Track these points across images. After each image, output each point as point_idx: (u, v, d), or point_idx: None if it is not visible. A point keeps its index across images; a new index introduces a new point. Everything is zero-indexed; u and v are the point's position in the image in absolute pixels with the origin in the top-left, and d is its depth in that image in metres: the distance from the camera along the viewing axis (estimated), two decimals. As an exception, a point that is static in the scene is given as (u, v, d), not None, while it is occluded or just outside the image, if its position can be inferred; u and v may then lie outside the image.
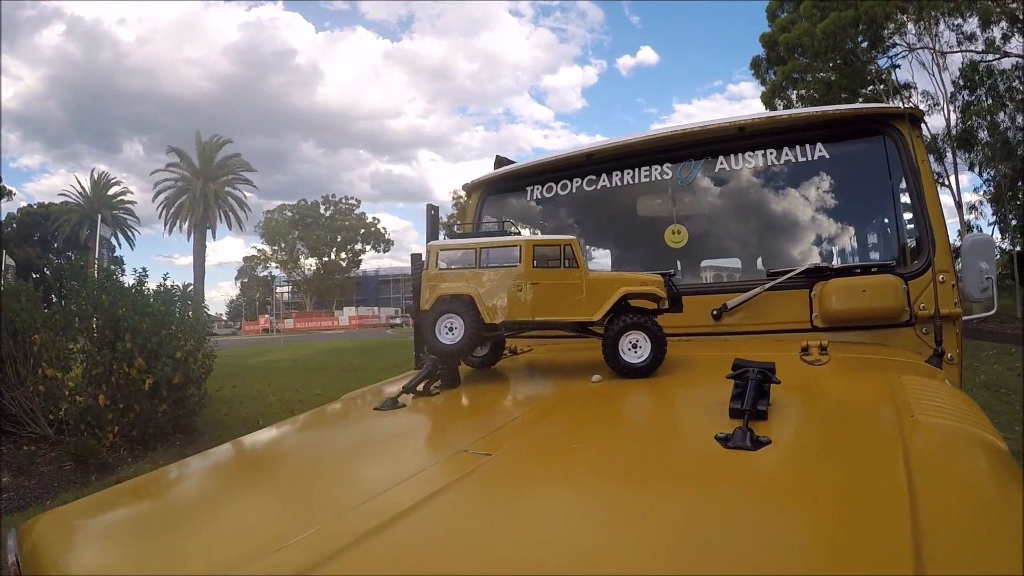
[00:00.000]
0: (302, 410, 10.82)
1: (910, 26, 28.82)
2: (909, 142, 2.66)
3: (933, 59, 29.68)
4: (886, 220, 3.09)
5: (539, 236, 2.12)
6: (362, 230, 79.86)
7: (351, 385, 12.96)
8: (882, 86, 31.43)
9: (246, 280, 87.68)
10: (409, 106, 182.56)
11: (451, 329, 2.01)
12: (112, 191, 62.83)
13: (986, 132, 28.81)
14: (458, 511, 1.12)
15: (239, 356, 22.24)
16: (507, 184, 3.43)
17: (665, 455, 1.41)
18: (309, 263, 79.55)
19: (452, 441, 1.52)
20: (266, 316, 69.08)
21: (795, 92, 32.76)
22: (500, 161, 3.58)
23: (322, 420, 2.19)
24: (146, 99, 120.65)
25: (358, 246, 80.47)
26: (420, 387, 2.00)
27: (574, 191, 3.18)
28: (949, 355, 2.46)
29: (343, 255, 79.94)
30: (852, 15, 27.68)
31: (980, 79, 29.55)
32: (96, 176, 61.38)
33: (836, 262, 2.88)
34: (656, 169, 3.00)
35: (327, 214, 78.87)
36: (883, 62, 31.51)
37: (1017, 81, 28.67)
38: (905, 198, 2.74)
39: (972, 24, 28.16)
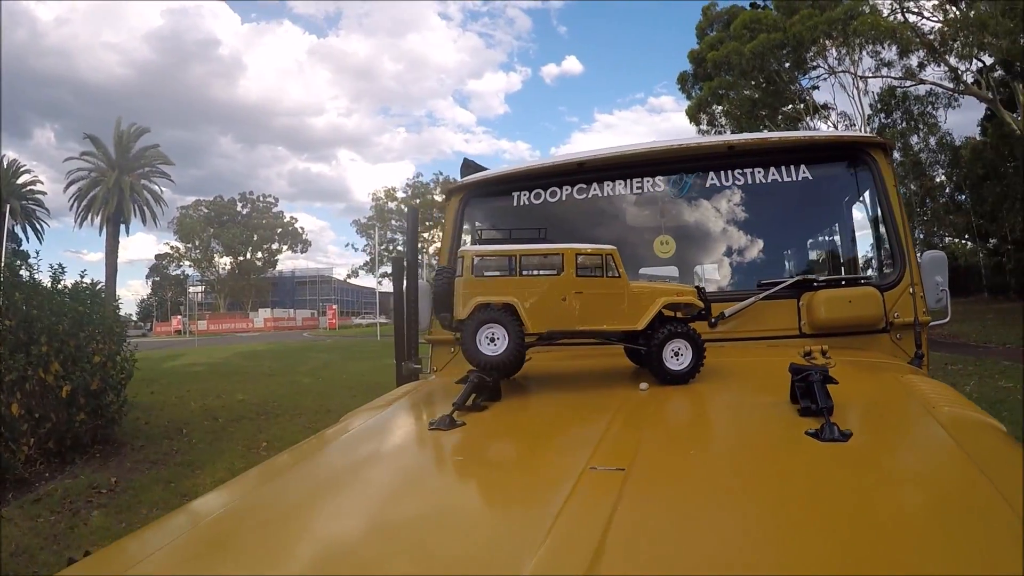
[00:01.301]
0: (227, 417, 10.44)
1: (833, 51, 30.41)
2: (882, 168, 2.89)
3: (854, 83, 31.42)
4: (860, 237, 3.30)
5: (579, 245, 2.00)
6: (279, 229, 78.07)
7: (275, 390, 12.56)
8: (802, 105, 33.00)
9: (158, 279, 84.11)
10: (331, 104, 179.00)
11: (493, 340, 1.88)
12: (21, 180, 58.69)
13: (899, 153, 30.67)
14: (658, 524, 1.10)
15: (154, 359, 21.28)
16: (492, 188, 3.28)
17: (782, 454, 1.46)
18: (224, 262, 77.12)
19: (567, 458, 1.40)
20: (179, 317, 66.53)
21: (719, 107, 34.14)
22: (468, 164, 3.42)
23: (372, 441, 1.89)
24: (60, 83, 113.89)
25: (275, 245, 78.61)
26: (469, 402, 1.84)
27: (564, 198, 3.09)
28: (924, 357, 2.71)
29: (259, 254, 77.89)
30: (780, 38, 29.01)
31: (896, 103, 31.56)
32: (4, 164, 57.24)
33: (802, 272, 3.12)
34: (648, 181, 3.06)
35: (244, 212, 76.61)
36: (805, 82, 33.23)
37: (930, 106, 30.84)
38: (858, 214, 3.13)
39: (892, 52, 29.92)
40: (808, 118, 33.38)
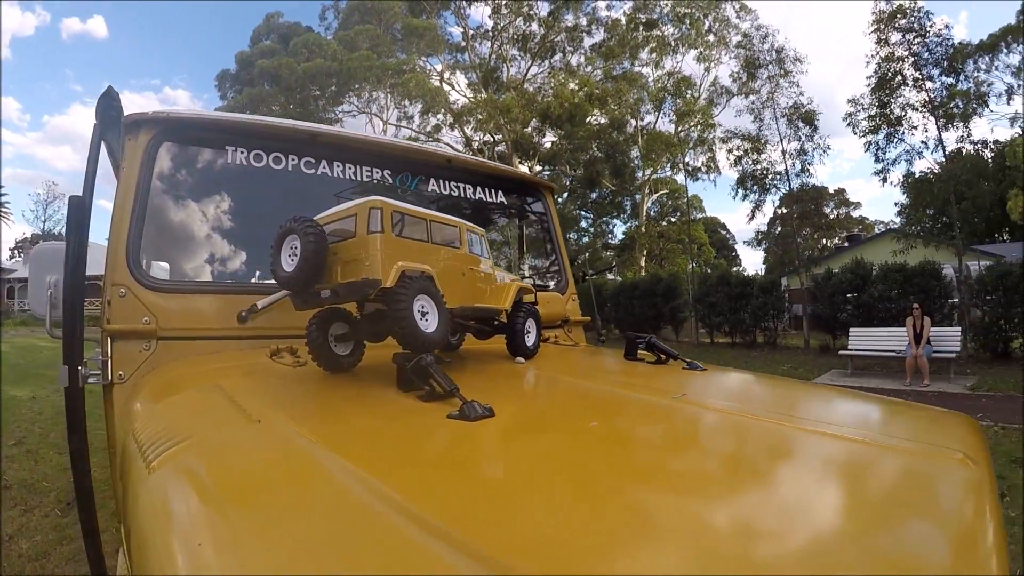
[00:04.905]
0: None
1: (367, 93, 33.44)
2: (550, 205, 3.65)
3: (383, 127, 34.98)
4: (540, 253, 4.05)
5: (467, 222, 1.93)
6: None
7: None
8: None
9: None
10: None
11: (424, 314, 1.61)
12: None
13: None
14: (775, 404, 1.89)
15: None
16: (199, 134, 2.69)
17: (704, 378, 2.14)
18: None
19: (652, 398, 1.74)
20: None
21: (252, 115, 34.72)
22: (112, 94, 2.57)
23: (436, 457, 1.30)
24: None
25: None
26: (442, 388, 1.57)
27: (289, 168, 2.78)
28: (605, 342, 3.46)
29: None
30: (335, 67, 30.47)
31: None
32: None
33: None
34: (377, 172, 3.01)
35: None
36: (339, 113, 35.81)
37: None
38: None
39: (416, 108, 34.94)
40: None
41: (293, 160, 2.77)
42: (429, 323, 1.60)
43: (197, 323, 2.29)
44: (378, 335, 1.85)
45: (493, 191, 3.39)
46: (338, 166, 2.87)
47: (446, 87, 35.40)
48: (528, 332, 2.21)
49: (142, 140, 2.51)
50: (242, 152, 2.68)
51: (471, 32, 35.91)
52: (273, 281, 2.45)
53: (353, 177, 2.90)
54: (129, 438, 1.51)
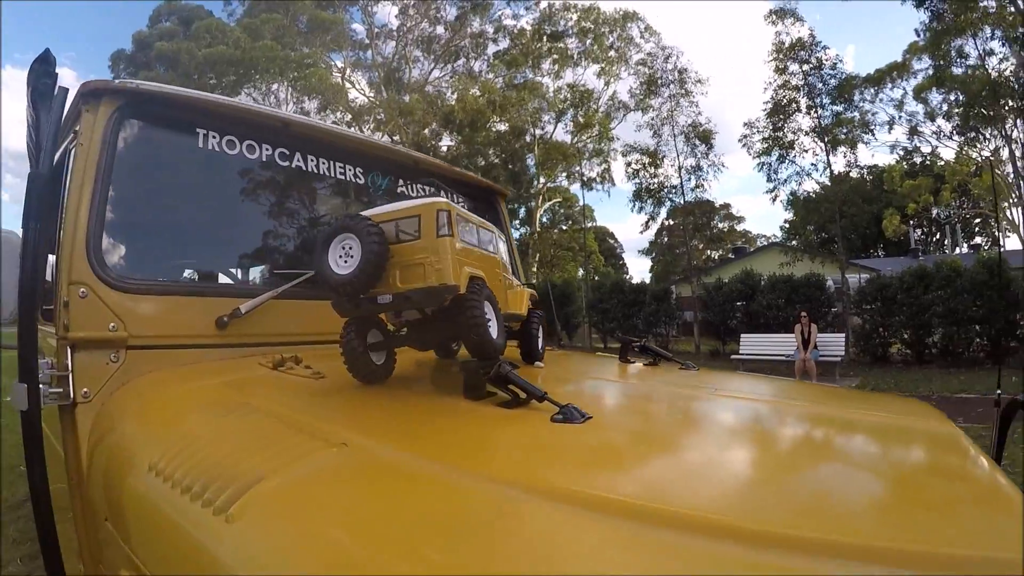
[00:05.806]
0: None
1: (265, 85, 32.72)
2: (503, 209, 3.81)
3: None
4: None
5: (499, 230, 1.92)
6: None
7: None
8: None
9: None
10: None
11: (488, 321, 1.55)
12: None
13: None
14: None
15: None
16: (168, 111, 2.34)
17: (707, 374, 2.45)
18: None
19: (690, 391, 1.96)
20: None
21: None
22: (47, 59, 1.94)
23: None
24: None
25: None
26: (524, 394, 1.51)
27: (264, 159, 2.56)
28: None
29: None
30: (239, 55, 29.65)
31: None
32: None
33: None
34: (350, 170, 2.88)
35: None
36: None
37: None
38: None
39: (314, 104, 33.97)
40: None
41: (268, 150, 2.56)
42: (493, 329, 1.56)
43: (173, 329, 2.01)
44: (426, 343, 1.77)
45: (452, 194, 3.34)
46: (312, 161, 2.73)
47: (346, 85, 34.95)
48: (539, 336, 2.28)
49: (103, 113, 2.15)
50: (214, 137, 2.40)
51: (376, 31, 35.49)
52: (253, 283, 2.52)
53: (325, 172, 2.78)
54: (145, 474, 1.29)
